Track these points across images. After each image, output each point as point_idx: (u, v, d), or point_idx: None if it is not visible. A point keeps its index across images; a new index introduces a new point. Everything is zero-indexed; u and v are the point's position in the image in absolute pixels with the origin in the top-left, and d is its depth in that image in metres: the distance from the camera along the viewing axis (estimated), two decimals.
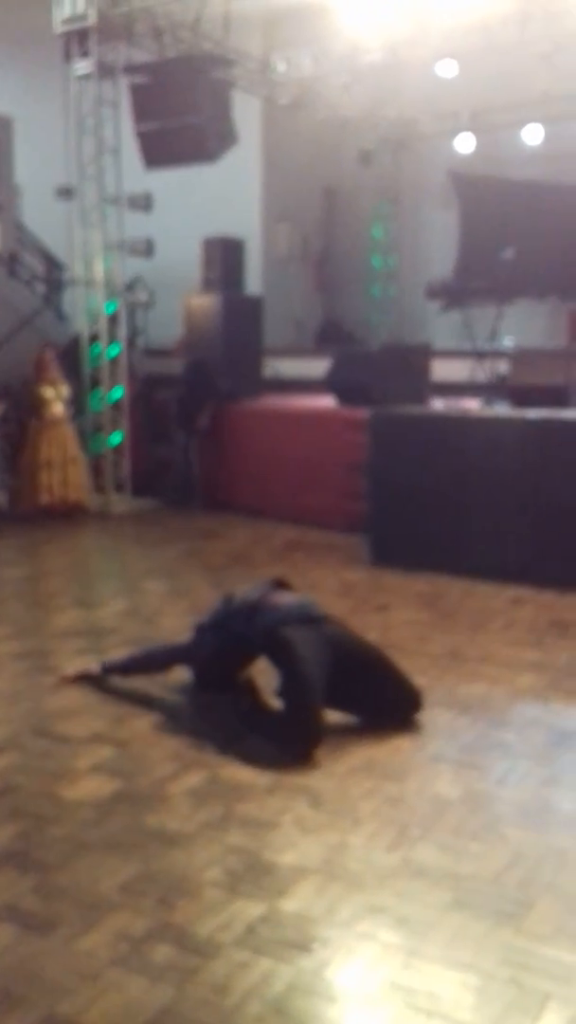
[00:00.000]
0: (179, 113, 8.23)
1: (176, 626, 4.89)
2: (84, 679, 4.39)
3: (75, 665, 4.54)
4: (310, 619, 3.82)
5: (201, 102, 8.21)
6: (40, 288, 11.68)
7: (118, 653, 4.64)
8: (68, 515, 8.56)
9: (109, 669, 4.38)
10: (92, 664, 4.50)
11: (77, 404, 8.98)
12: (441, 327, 11.94)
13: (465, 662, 4.65)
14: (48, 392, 8.63)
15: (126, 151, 8.86)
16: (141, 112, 8.51)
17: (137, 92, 8.58)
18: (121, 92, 8.81)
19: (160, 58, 8.82)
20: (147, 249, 9.04)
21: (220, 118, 8.38)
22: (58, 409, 8.65)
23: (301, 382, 10.37)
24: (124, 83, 8.83)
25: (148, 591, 6.06)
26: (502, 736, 3.81)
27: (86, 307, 9.25)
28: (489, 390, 8.08)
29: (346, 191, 14.36)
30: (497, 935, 2.50)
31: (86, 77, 8.65)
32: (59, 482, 8.54)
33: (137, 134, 8.50)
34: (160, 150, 8.43)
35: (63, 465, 8.59)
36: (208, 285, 9.74)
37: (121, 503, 9.08)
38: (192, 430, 9.11)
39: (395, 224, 14.24)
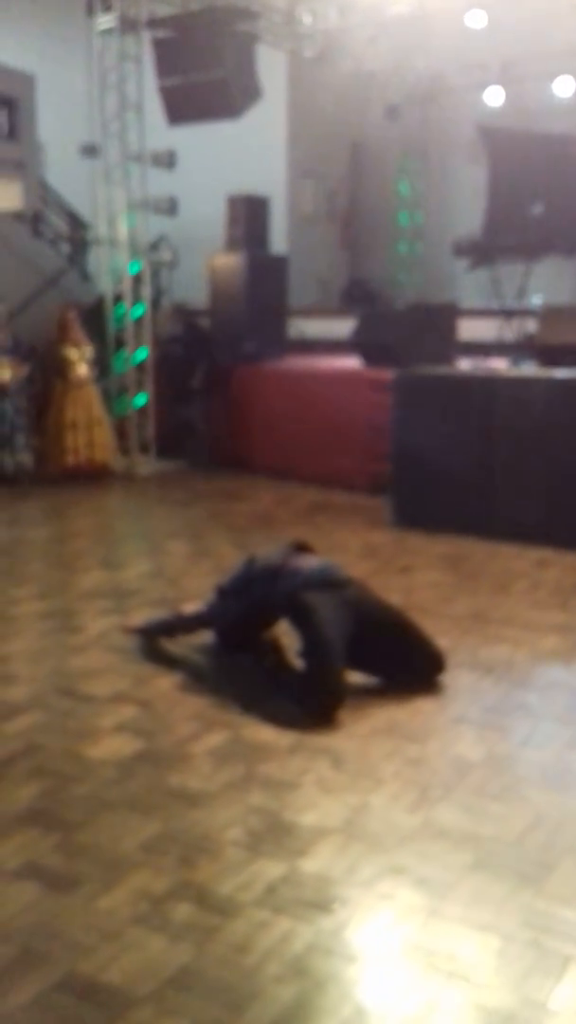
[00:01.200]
0: (203, 67, 8.06)
1: (199, 587, 4.87)
2: (116, 635, 4.40)
3: (100, 624, 4.56)
4: (332, 583, 3.79)
5: (225, 56, 8.04)
6: (65, 248, 11.58)
7: (143, 614, 4.65)
8: (93, 477, 8.56)
9: (142, 629, 4.38)
10: (126, 621, 4.52)
11: (101, 365, 8.94)
12: (469, 285, 11.73)
13: (488, 624, 4.60)
14: (72, 353, 8.59)
15: (150, 107, 8.71)
16: (164, 67, 8.35)
17: (160, 46, 8.42)
18: (144, 47, 8.65)
19: (183, 11, 8.63)
20: (171, 207, 8.93)
21: (244, 72, 8.21)
22: (82, 370, 8.62)
23: (326, 342, 10.26)
24: (147, 37, 8.65)
25: (172, 552, 6.05)
26: (525, 698, 3.77)
27: (110, 267, 9.16)
28: (516, 349, 7.94)
29: (372, 146, 14.09)
30: (518, 897, 2.48)
31: (108, 32, 8.48)
32: (84, 443, 8.53)
33: (160, 89, 8.35)
34: (183, 106, 8.28)
35: (88, 426, 8.57)
36: (232, 244, 9.60)
37: (146, 465, 9.06)
38: (187, 391, 9.06)
39: (422, 180, 13.97)
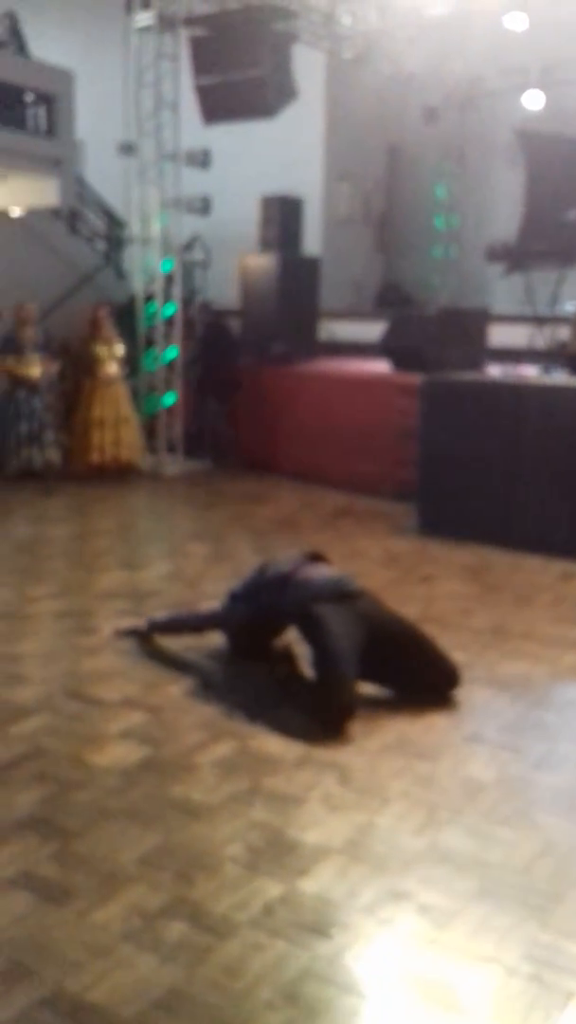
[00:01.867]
0: (239, 67, 8.00)
1: (216, 591, 4.79)
2: (130, 635, 4.36)
3: (116, 624, 4.52)
4: (343, 595, 3.71)
5: (262, 55, 7.97)
6: (101, 246, 11.59)
7: (161, 613, 4.60)
8: (120, 475, 8.54)
9: (152, 626, 4.34)
10: (140, 621, 4.47)
11: (131, 364, 8.92)
12: (503, 291, 11.59)
13: (508, 638, 4.50)
14: (102, 351, 8.58)
15: (185, 106, 8.67)
16: (200, 65, 8.30)
17: (197, 45, 8.37)
18: (181, 45, 8.61)
19: (221, 10, 8.58)
20: (204, 207, 8.86)
21: (281, 72, 8.14)
22: (112, 368, 8.60)
23: (358, 345, 10.16)
24: (184, 36, 8.62)
25: (192, 554, 6.00)
26: (542, 717, 3.67)
27: (142, 266, 9.13)
28: (548, 357, 7.80)
29: (409, 149, 13.97)
30: (522, 928, 2.39)
31: (146, 29, 8.45)
32: (111, 441, 8.50)
33: (196, 88, 8.30)
34: (219, 105, 8.22)
35: (115, 424, 8.55)
36: (265, 245, 9.54)
37: (173, 464, 9.03)
38: (209, 392, 9.02)
39: (459, 184, 13.82)
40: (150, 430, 9.06)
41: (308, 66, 10.16)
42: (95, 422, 8.46)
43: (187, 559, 5.89)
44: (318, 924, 2.39)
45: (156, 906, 2.45)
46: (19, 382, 8.11)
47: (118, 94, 9.99)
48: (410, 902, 2.50)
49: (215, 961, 2.25)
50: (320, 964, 2.25)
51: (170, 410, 9.11)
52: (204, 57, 8.29)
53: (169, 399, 9.11)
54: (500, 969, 2.25)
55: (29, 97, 9.30)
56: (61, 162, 9.54)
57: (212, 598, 4.70)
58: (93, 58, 11.80)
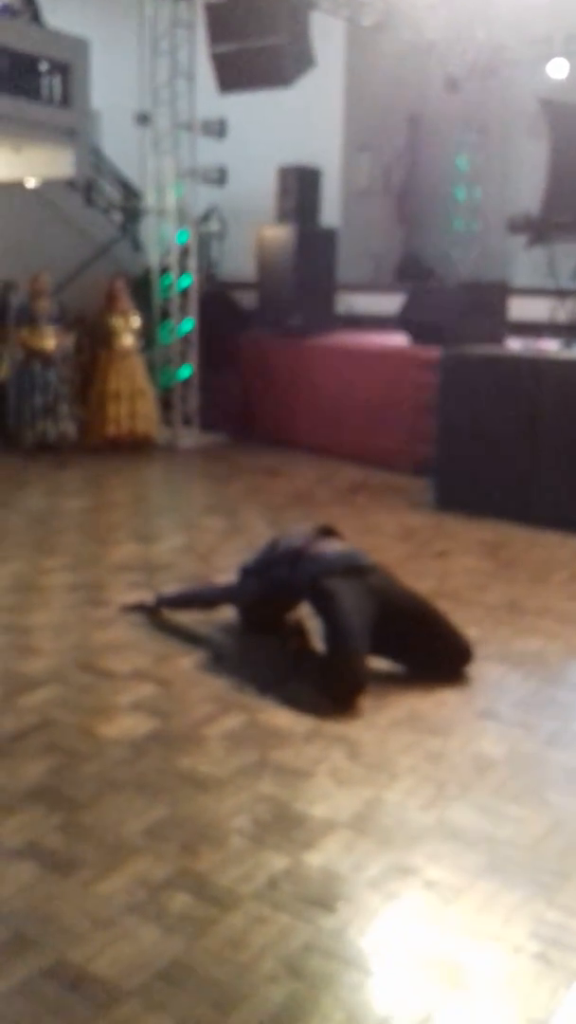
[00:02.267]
0: (255, 34, 7.85)
1: (230, 565, 4.77)
2: (136, 610, 4.36)
3: (128, 598, 4.51)
4: (354, 569, 3.67)
5: (279, 22, 7.82)
6: (117, 217, 11.51)
7: (169, 588, 4.59)
8: (136, 448, 8.52)
9: (161, 602, 4.33)
10: (148, 596, 4.46)
11: (147, 336, 8.87)
12: (525, 264, 11.42)
13: (523, 615, 4.45)
14: (118, 323, 8.53)
15: (202, 75, 8.55)
16: (216, 33, 8.16)
17: (213, 12, 8.22)
18: (197, 13, 8.47)
19: None
20: (220, 177, 8.76)
21: (298, 40, 7.98)
22: (128, 340, 8.55)
23: (376, 318, 10.06)
24: (200, 3, 8.48)
25: (206, 528, 5.97)
26: (555, 694, 3.63)
27: (157, 237, 9.06)
28: (569, 330, 7.68)
29: (431, 119, 13.75)
30: (529, 906, 2.37)
31: None
32: (127, 414, 8.48)
33: (211, 56, 8.16)
34: (235, 73, 8.09)
35: (131, 397, 8.51)
36: (283, 216, 9.42)
37: (188, 437, 8.99)
38: (213, 362, 8.95)
39: (481, 155, 13.60)
40: (166, 403, 9.03)
41: (327, 34, 9.98)
42: (111, 395, 8.43)
43: (201, 532, 5.87)
44: (323, 898, 2.38)
45: (160, 878, 2.45)
46: (34, 354, 8.09)
47: (134, 63, 9.87)
48: (416, 877, 2.48)
49: (218, 933, 2.24)
50: (324, 938, 2.24)
51: (186, 383, 9.07)
52: (220, 25, 8.15)
53: (185, 372, 9.06)
54: (506, 946, 2.23)
55: (44, 66, 9.21)
56: (76, 132, 9.46)
57: (225, 572, 4.70)
58: (108, 26, 11.65)
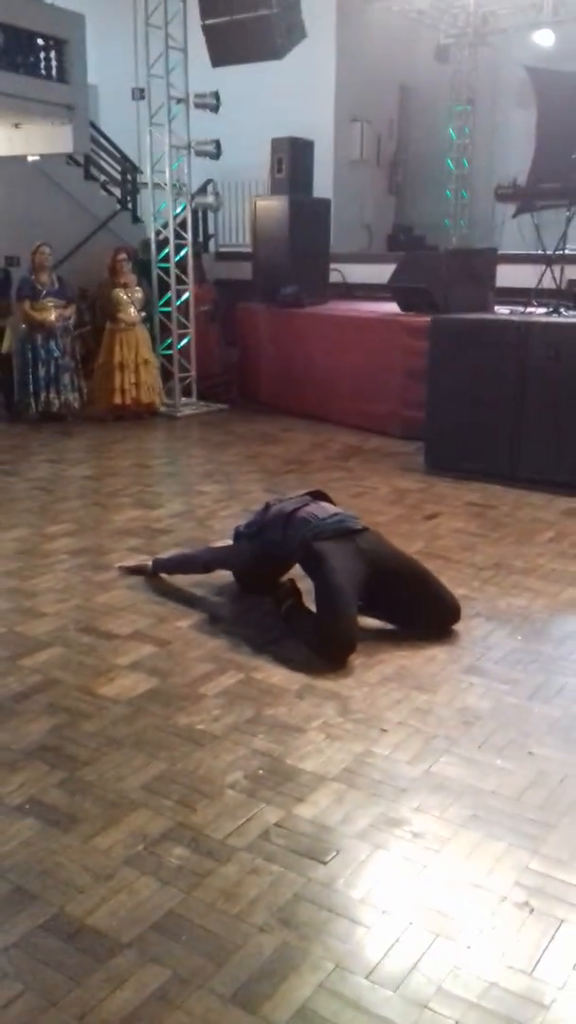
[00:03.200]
0: (246, 7, 7.64)
1: (226, 529, 4.73)
2: (136, 573, 4.32)
3: (127, 562, 4.48)
4: (345, 531, 3.62)
5: None
6: (116, 191, 11.32)
7: (167, 552, 4.56)
8: (137, 416, 8.44)
9: (157, 566, 4.30)
10: (145, 560, 4.42)
11: (148, 307, 8.75)
12: (515, 232, 11.24)
13: (509, 574, 4.41)
14: (122, 295, 8.41)
15: (197, 50, 8.34)
16: (208, 5, 7.93)
17: None
18: None
19: None
20: (216, 150, 8.57)
21: (289, 12, 7.76)
22: (132, 312, 8.43)
23: (370, 288, 9.92)
24: None
25: (204, 493, 5.92)
26: (539, 650, 3.59)
27: (154, 210, 8.90)
28: (556, 295, 7.56)
29: (421, 90, 13.49)
30: (513, 856, 2.35)
31: None
32: (132, 384, 8.39)
33: (203, 29, 7.95)
34: (226, 47, 7.87)
35: (136, 368, 8.42)
36: (276, 187, 9.25)
37: (187, 406, 8.91)
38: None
39: (471, 124, 13.36)
40: (165, 372, 8.93)
41: (318, 5, 9.75)
42: (117, 366, 8.34)
43: (199, 498, 5.81)
44: (313, 850, 2.36)
45: (158, 832, 2.43)
46: (35, 327, 7.99)
47: (129, 38, 9.64)
48: (404, 829, 2.46)
49: (213, 885, 2.23)
50: (314, 889, 2.22)
51: (184, 352, 8.96)
52: None
53: (184, 341, 8.95)
54: (491, 896, 2.21)
55: (41, 42, 8.99)
56: (74, 108, 9.26)
57: (222, 536, 4.66)
58: (103, 1, 11.37)
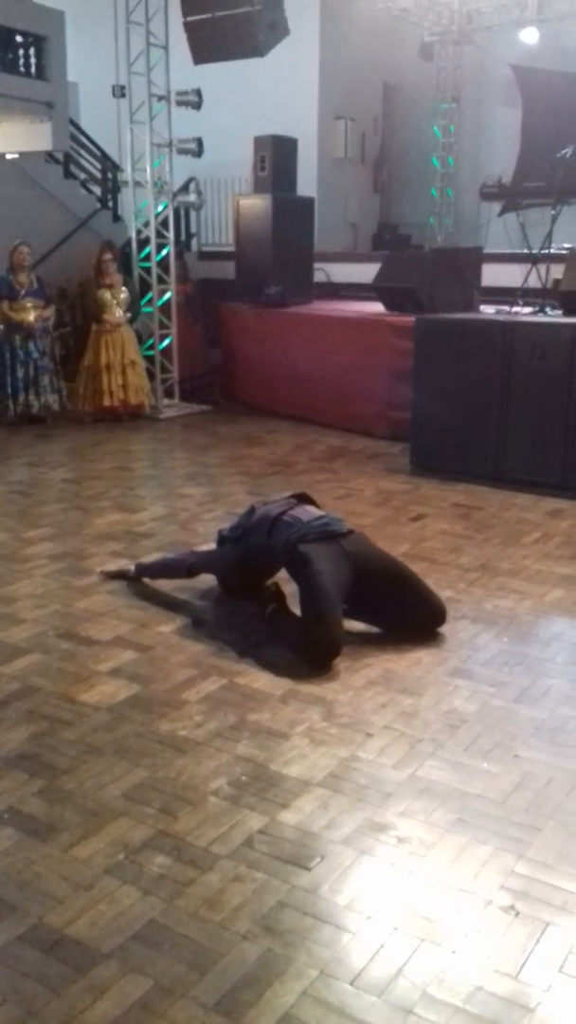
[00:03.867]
0: (228, 3, 7.65)
1: (209, 532, 4.75)
2: (117, 578, 4.32)
3: (108, 566, 4.47)
4: (330, 535, 3.63)
5: None
6: (96, 189, 11.30)
7: (150, 557, 4.56)
8: (117, 419, 8.43)
9: (140, 571, 4.29)
10: (127, 564, 4.42)
11: (132, 308, 8.74)
12: (500, 231, 11.28)
13: (495, 575, 4.43)
14: (107, 296, 8.39)
15: (177, 47, 8.35)
16: (189, 2, 7.94)
17: None
18: None
19: None
20: (198, 149, 8.58)
21: (271, 9, 7.78)
22: (118, 313, 8.42)
23: (355, 287, 9.95)
24: None
25: (187, 496, 5.91)
26: (525, 652, 3.61)
27: (135, 208, 8.89)
28: (541, 295, 7.60)
29: (406, 88, 13.55)
30: (499, 860, 2.36)
31: None
32: (120, 386, 8.38)
33: (185, 25, 7.96)
34: (208, 44, 7.88)
35: (123, 369, 8.40)
36: (259, 185, 9.27)
37: (170, 407, 8.91)
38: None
39: (456, 123, 13.42)
40: (148, 373, 8.92)
41: (301, 2, 9.77)
42: (104, 367, 8.32)
43: (182, 501, 5.81)
44: (297, 856, 2.37)
45: (139, 840, 2.43)
46: (14, 327, 7.96)
47: (110, 35, 9.65)
48: (389, 834, 2.47)
49: (195, 894, 2.23)
50: (298, 895, 2.23)
51: (166, 353, 8.96)
52: None
53: (165, 342, 8.95)
54: (476, 900, 2.22)
55: (20, 38, 8.97)
56: (53, 105, 9.23)
57: (206, 539, 4.66)
58: None
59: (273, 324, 8.82)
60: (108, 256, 8.45)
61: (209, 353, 10.09)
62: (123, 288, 8.49)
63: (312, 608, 3.45)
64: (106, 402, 8.32)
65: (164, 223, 8.81)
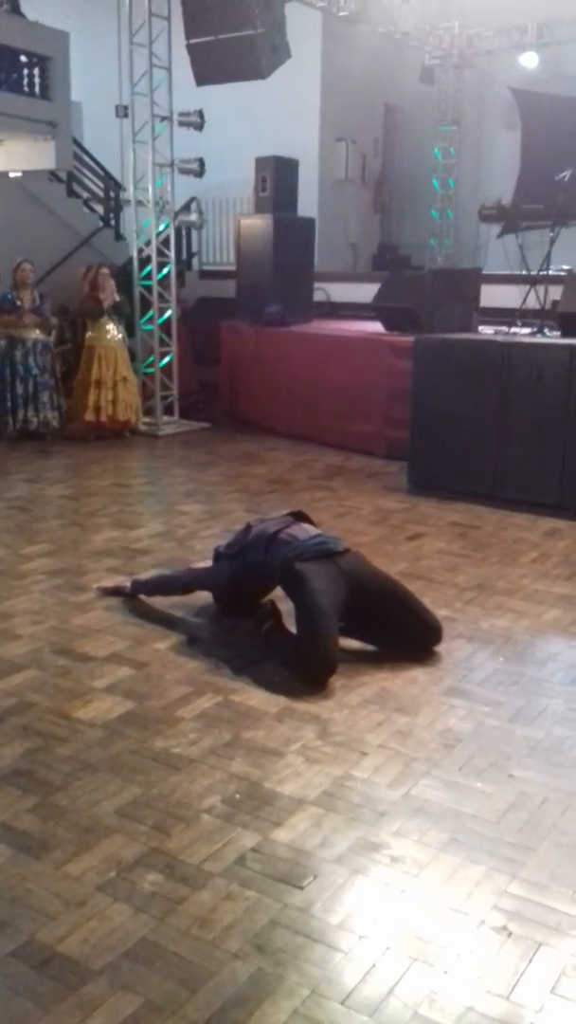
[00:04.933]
0: (230, 26, 7.75)
1: (207, 549, 4.75)
2: (114, 594, 4.32)
3: (105, 582, 4.49)
4: (327, 553, 3.64)
5: (254, 14, 7.72)
6: (99, 208, 11.39)
7: (146, 574, 4.57)
8: (117, 435, 8.46)
9: (136, 588, 4.30)
10: (124, 581, 4.43)
11: (128, 325, 8.79)
12: (500, 252, 11.37)
13: (492, 595, 4.44)
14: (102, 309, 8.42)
15: (182, 68, 8.45)
16: (193, 25, 8.05)
17: (188, 3, 8.11)
18: (175, 3, 8.35)
19: None
20: (199, 169, 8.66)
21: (273, 32, 7.89)
22: (111, 329, 8.46)
23: (355, 307, 10.02)
24: None
25: (185, 513, 5.93)
26: (521, 671, 3.62)
27: (137, 227, 8.96)
28: (539, 316, 7.66)
29: (407, 110, 13.69)
30: (492, 880, 2.36)
31: None
32: (108, 401, 8.40)
33: (188, 48, 8.06)
34: (211, 66, 7.98)
35: (113, 385, 8.43)
36: (260, 206, 9.34)
37: (169, 425, 8.94)
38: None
39: (456, 145, 13.55)
40: (146, 391, 8.96)
41: (303, 25, 9.89)
42: (94, 383, 8.35)
43: (180, 518, 5.82)
44: (290, 875, 2.36)
45: (132, 857, 2.42)
46: (15, 343, 8.00)
47: (114, 55, 9.74)
48: (382, 853, 2.46)
49: (187, 912, 2.22)
50: (290, 914, 2.22)
51: (166, 371, 9.00)
52: (196, 17, 8.04)
53: (164, 360, 8.99)
54: (470, 920, 2.22)
55: (24, 59, 9.07)
56: (57, 124, 9.33)
57: (203, 556, 4.67)
58: (88, 18, 11.52)
59: (273, 343, 8.87)
60: (105, 272, 8.49)
61: (199, 371, 10.14)
62: (116, 296, 8.45)
63: (308, 626, 3.45)
64: (90, 417, 8.31)
65: (165, 242, 8.88)
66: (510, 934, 2.16)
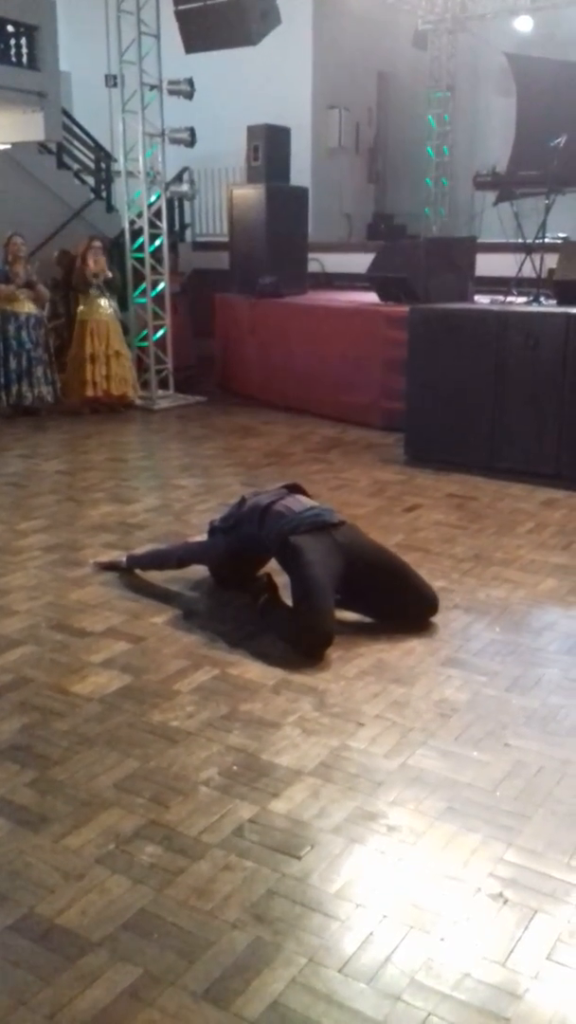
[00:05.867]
0: None
1: (203, 523, 4.73)
2: (110, 569, 4.32)
3: (101, 557, 4.48)
4: (322, 525, 3.63)
5: None
6: (90, 180, 11.26)
7: (141, 548, 4.56)
8: (112, 409, 8.42)
9: (132, 562, 4.29)
10: (120, 556, 4.42)
11: (121, 299, 8.71)
12: (495, 220, 11.27)
13: (489, 565, 4.44)
14: (92, 282, 8.34)
15: (170, 36, 8.31)
16: None
17: None
18: None
19: None
20: (190, 138, 8.55)
21: None
22: (103, 303, 8.39)
23: (349, 277, 9.94)
24: None
25: (181, 487, 5.91)
26: (518, 641, 3.62)
27: (128, 198, 8.86)
28: (535, 284, 7.60)
29: (400, 77, 13.50)
30: (488, 848, 2.37)
31: None
32: (103, 376, 8.36)
33: (176, 14, 7.92)
34: (199, 32, 7.85)
35: (107, 359, 8.38)
36: (252, 175, 9.23)
37: (164, 399, 8.90)
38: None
39: (451, 112, 13.38)
40: (140, 365, 8.91)
41: None
42: (88, 357, 8.30)
43: (176, 492, 5.81)
44: (287, 845, 2.37)
45: (130, 830, 2.43)
46: (8, 318, 7.94)
47: (102, 24, 9.59)
48: (379, 822, 2.47)
49: (185, 883, 2.24)
50: (288, 884, 2.23)
51: (160, 344, 8.94)
52: None
53: (158, 333, 8.93)
54: (466, 888, 2.23)
55: (11, 28, 8.91)
56: (45, 95, 9.18)
57: (199, 530, 4.65)
58: None
59: (267, 314, 8.81)
60: (97, 245, 8.41)
61: (196, 344, 10.07)
62: (108, 273, 8.37)
63: (304, 599, 3.45)
64: (89, 392, 8.29)
65: (157, 213, 8.79)
66: (506, 901, 2.18)
